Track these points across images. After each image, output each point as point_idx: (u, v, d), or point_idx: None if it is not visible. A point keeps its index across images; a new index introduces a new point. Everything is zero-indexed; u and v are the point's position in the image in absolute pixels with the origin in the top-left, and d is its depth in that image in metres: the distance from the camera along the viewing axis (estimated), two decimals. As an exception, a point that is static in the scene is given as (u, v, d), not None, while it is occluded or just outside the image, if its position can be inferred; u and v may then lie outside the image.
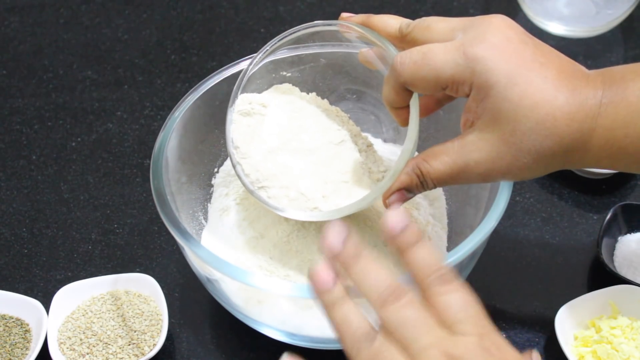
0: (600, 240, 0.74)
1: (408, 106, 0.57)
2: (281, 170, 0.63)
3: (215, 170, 0.75)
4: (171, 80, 0.96)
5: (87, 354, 0.67)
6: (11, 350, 0.68)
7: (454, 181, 0.55)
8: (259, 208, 0.71)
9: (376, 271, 0.43)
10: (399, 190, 0.57)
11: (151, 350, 0.67)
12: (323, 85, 0.71)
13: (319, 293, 0.43)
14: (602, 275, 0.72)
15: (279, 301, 0.63)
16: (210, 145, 0.75)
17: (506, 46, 0.52)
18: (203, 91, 0.71)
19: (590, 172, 0.81)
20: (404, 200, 0.58)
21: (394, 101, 0.57)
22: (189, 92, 0.71)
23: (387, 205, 0.58)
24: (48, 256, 0.78)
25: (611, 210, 0.76)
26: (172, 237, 0.62)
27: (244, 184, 0.63)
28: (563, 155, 0.53)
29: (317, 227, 0.68)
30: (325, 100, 0.68)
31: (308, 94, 0.67)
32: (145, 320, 0.69)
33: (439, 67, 0.53)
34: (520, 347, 0.70)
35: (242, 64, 0.72)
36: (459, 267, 0.62)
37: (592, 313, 0.69)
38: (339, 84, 0.72)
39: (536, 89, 0.51)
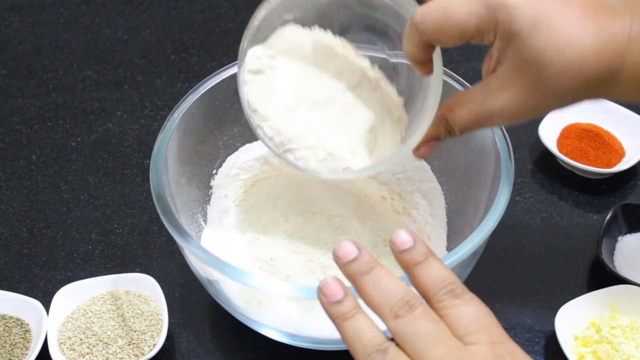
0: (600, 240, 0.74)
1: (431, 58, 0.56)
2: (304, 129, 0.61)
3: (214, 171, 0.75)
4: (171, 80, 0.96)
5: (87, 354, 0.67)
6: (11, 350, 0.68)
7: (480, 127, 0.55)
8: (258, 209, 0.71)
9: (389, 283, 0.42)
10: (428, 141, 0.57)
11: (151, 350, 0.67)
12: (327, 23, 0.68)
13: (328, 305, 0.43)
14: (602, 275, 0.72)
15: (280, 302, 0.63)
16: (209, 146, 0.75)
17: None
18: (203, 91, 0.71)
19: (590, 172, 0.81)
20: (434, 149, 0.58)
21: (417, 57, 0.56)
22: (189, 92, 0.71)
23: (418, 156, 0.58)
24: (48, 256, 0.78)
25: (611, 210, 0.76)
26: (172, 238, 0.62)
27: (268, 148, 0.62)
28: (589, 93, 0.52)
29: (318, 228, 0.68)
30: (329, 32, 0.64)
31: (311, 29, 0.63)
32: (145, 320, 0.69)
33: (463, 21, 0.51)
34: (521, 346, 0.70)
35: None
36: (459, 267, 0.62)
37: (592, 313, 0.69)
38: (344, 18, 0.69)
39: (560, 32, 0.50)
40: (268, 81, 0.62)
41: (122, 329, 0.68)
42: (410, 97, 0.62)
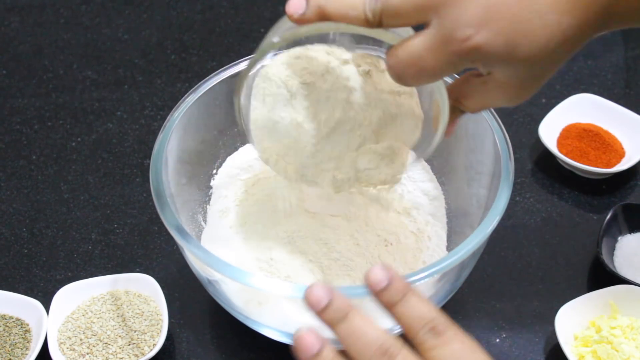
0: (600, 240, 0.74)
1: None
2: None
3: (214, 171, 0.75)
4: (171, 80, 0.96)
5: (87, 354, 0.67)
6: (11, 350, 0.68)
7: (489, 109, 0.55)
8: (258, 209, 0.71)
9: (365, 331, 0.41)
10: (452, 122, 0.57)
11: (151, 350, 0.67)
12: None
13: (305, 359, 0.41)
14: (602, 275, 0.72)
15: (280, 302, 0.63)
16: (209, 146, 0.75)
17: (492, 9, 0.47)
18: (203, 91, 0.71)
19: (590, 172, 0.81)
20: (456, 124, 0.58)
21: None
22: (189, 92, 0.71)
23: (447, 136, 0.58)
24: (48, 256, 0.78)
25: (611, 210, 0.76)
26: (172, 238, 0.62)
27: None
28: (589, 37, 0.51)
29: (318, 228, 0.68)
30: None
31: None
32: (145, 320, 0.69)
33: (437, 72, 0.51)
34: (521, 346, 0.70)
35: (242, 64, 0.72)
36: (459, 267, 0.62)
37: (592, 313, 0.69)
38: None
39: (539, 35, 0.48)
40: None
41: (122, 329, 0.68)
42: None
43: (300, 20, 0.51)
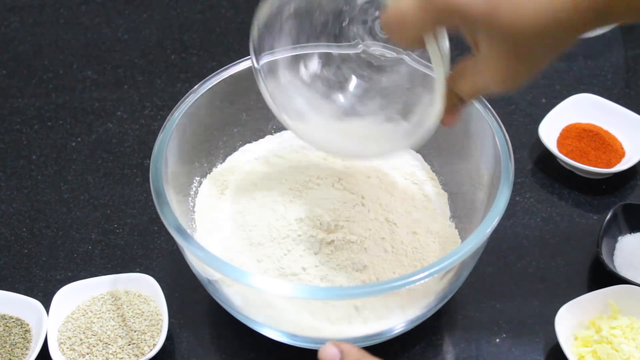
0: (600, 240, 0.74)
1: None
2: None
3: (215, 170, 0.75)
4: (171, 80, 0.96)
5: (87, 354, 0.67)
6: (11, 350, 0.68)
7: (484, 95, 0.56)
8: (258, 209, 0.71)
9: None
10: (449, 111, 0.58)
11: (151, 350, 0.67)
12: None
13: None
14: (602, 275, 0.72)
15: (280, 302, 0.63)
16: (209, 146, 0.75)
17: None
18: (203, 91, 0.71)
19: (590, 172, 0.81)
20: (458, 116, 0.58)
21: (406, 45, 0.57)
22: (189, 92, 0.71)
23: (445, 124, 0.59)
24: (48, 256, 0.78)
25: (611, 210, 0.76)
26: (172, 238, 0.62)
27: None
28: (582, 29, 0.50)
29: (318, 229, 0.68)
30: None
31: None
32: (145, 320, 0.69)
33: (418, 27, 0.52)
34: (521, 346, 0.70)
35: (242, 64, 0.72)
36: (459, 267, 0.62)
37: (592, 313, 0.69)
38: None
39: (526, 3, 0.48)
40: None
41: (122, 328, 0.68)
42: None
43: None
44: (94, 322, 0.69)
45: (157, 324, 0.69)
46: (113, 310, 0.70)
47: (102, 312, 0.70)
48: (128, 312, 0.70)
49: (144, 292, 0.71)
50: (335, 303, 0.62)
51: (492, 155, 0.66)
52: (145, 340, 0.68)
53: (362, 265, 0.65)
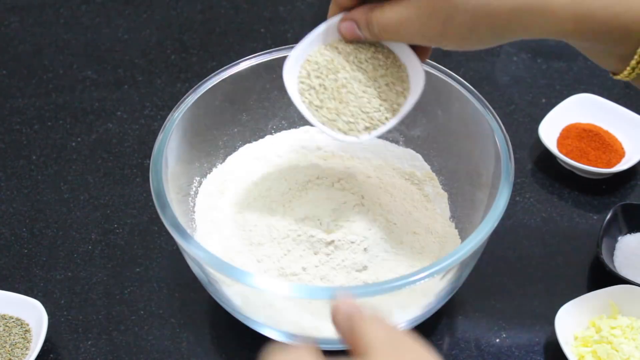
0: (600, 240, 0.74)
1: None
2: None
3: (215, 170, 0.75)
4: (171, 80, 0.96)
5: None
6: (11, 350, 0.68)
7: (398, 36, 0.53)
8: (258, 210, 0.71)
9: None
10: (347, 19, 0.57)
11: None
12: None
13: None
14: (602, 275, 0.72)
15: (280, 302, 0.63)
16: (209, 147, 0.75)
17: None
18: (203, 91, 0.71)
19: (590, 172, 0.81)
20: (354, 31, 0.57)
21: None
22: (189, 92, 0.71)
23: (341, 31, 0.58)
24: (48, 256, 0.78)
25: (611, 210, 0.76)
26: (172, 238, 0.62)
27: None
28: (511, 16, 0.47)
29: (318, 229, 0.68)
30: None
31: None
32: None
33: None
34: (521, 347, 0.70)
35: (242, 64, 0.72)
36: (459, 267, 0.62)
37: (592, 313, 0.69)
38: None
39: None
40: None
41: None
42: None
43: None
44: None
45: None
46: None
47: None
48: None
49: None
50: (335, 303, 0.62)
51: (492, 155, 0.66)
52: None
53: (362, 265, 0.65)
